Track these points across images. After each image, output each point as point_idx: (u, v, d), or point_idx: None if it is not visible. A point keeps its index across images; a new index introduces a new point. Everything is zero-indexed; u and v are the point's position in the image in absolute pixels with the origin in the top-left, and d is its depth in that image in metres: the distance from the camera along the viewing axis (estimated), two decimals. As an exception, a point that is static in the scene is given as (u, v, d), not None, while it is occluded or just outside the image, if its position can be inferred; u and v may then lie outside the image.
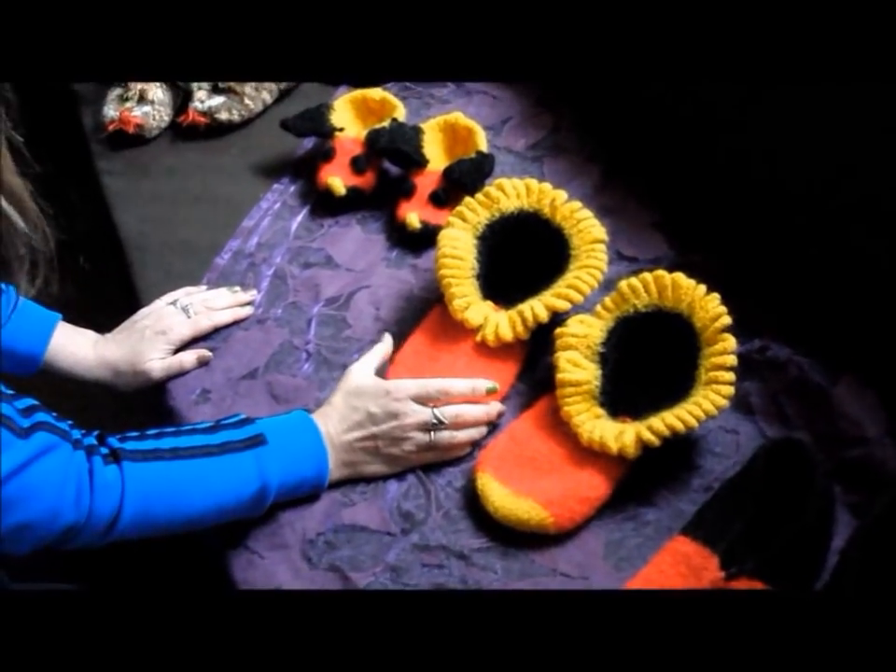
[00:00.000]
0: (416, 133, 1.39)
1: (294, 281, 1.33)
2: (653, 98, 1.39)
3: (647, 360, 1.12)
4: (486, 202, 1.23)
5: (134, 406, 1.42)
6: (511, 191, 1.23)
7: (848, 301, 1.16)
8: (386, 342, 1.20)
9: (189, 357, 1.25)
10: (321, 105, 1.46)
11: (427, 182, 1.36)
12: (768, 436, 1.10)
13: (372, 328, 1.26)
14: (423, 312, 1.25)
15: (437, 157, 1.39)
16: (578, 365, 1.10)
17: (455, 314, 1.17)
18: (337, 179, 1.38)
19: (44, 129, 1.81)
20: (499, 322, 1.16)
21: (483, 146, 1.38)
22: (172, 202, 1.45)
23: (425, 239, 1.32)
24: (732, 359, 1.05)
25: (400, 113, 1.44)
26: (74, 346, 1.24)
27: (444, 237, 1.21)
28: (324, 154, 1.41)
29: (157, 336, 1.24)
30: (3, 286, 1.08)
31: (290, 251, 1.36)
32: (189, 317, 1.26)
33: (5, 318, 1.11)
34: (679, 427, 1.03)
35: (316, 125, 1.43)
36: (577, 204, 1.21)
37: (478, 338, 1.16)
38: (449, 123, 1.41)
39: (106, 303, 1.53)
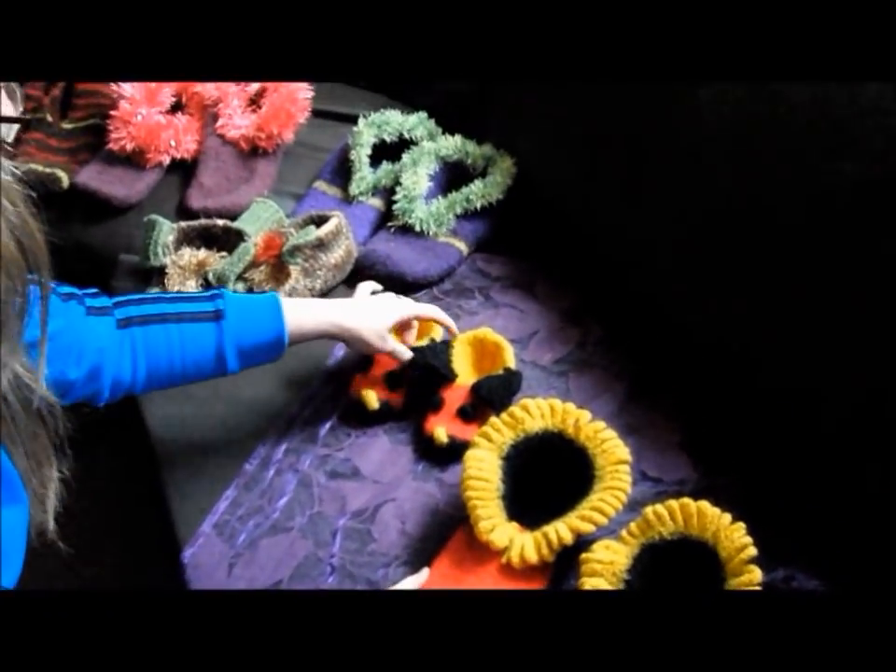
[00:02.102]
0: (446, 347, 1.39)
1: (319, 489, 1.31)
2: (679, 315, 1.39)
3: (672, 589, 1.09)
4: (511, 422, 1.22)
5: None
6: (536, 412, 1.22)
7: (876, 534, 1.13)
8: (423, 574, 1.17)
9: None
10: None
11: (455, 396, 1.35)
12: (794, 670, 1.06)
13: (398, 542, 1.24)
14: (449, 528, 1.22)
15: (465, 371, 1.39)
16: (603, 592, 1.08)
17: (480, 535, 1.14)
18: (372, 393, 1.37)
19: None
20: (525, 544, 1.13)
21: (511, 362, 1.37)
22: (202, 402, 1.44)
23: (452, 453, 1.30)
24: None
25: (437, 333, 1.45)
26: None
27: (470, 458, 1.20)
28: (361, 366, 1.41)
29: None
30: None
31: (317, 458, 1.35)
32: None
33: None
34: (706, 660, 1.00)
35: None
36: (601, 425, 1.20)
37: (503, 560, 1.14)
38: (478, 338, 1.41)
39: (134, 501, 1.52)
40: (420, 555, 1.21)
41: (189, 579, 1.25)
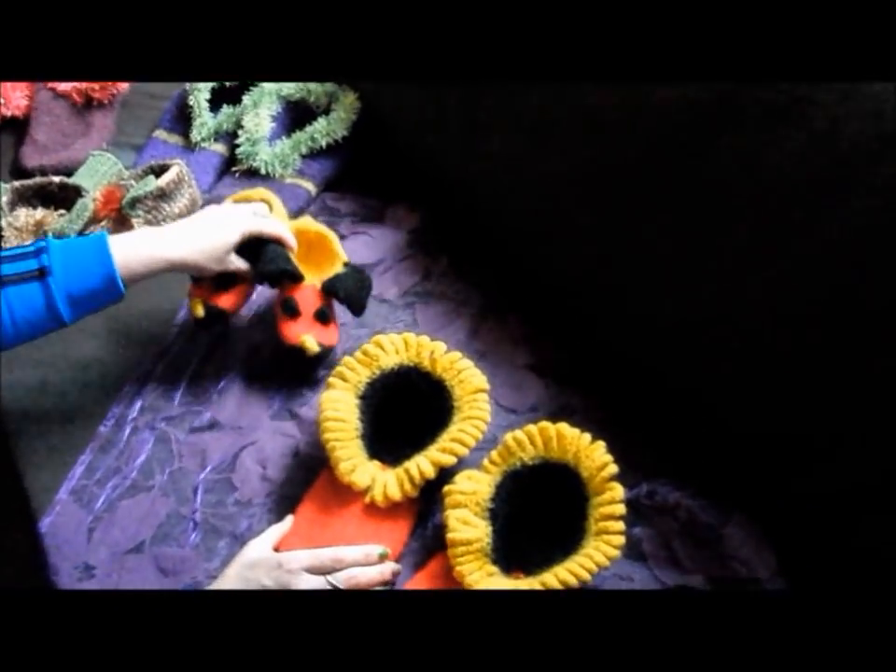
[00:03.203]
0: (284, 249, 1.28)
1: (178, 445, 1.25)
2: (522, 241, 1.35)
3: (537, 513, 1.07)
4: (365, 360, 1.18)
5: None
6: (390, 347, 1.18)
7: (732, 437, 1.12)
8: (287, 522, 1.12)
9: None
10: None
11: (305, 298, 1.27)
12: (662, 581, 1.05)
13: (260, 488, 1.19)
14: (311, 470, 1.18)
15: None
16: (468, 523, 1.05)
17: (341, 477, 1.10)
18: (198, 302, 1.28)
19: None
20: (387, 482, 1.09)
21: (342, 254, 1.31)
22: (51, 367, 1.36)
23: (318, 360, 1.27)
24: (620, 508, 1.01)
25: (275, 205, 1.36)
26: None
27: (326, 400, 1.15)
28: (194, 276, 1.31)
29: None
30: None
31: (174, 413, 1.29)
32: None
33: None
34: (572, 581, 0.97)
35: None
36: (457, 355, 1.17)
37: (367, 499, 1.10)
38: (300, 230, 1.32)
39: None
40: (283, 502, 1.17)
41: (47, 548, 1.18)
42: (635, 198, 1.14)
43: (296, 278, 1.27)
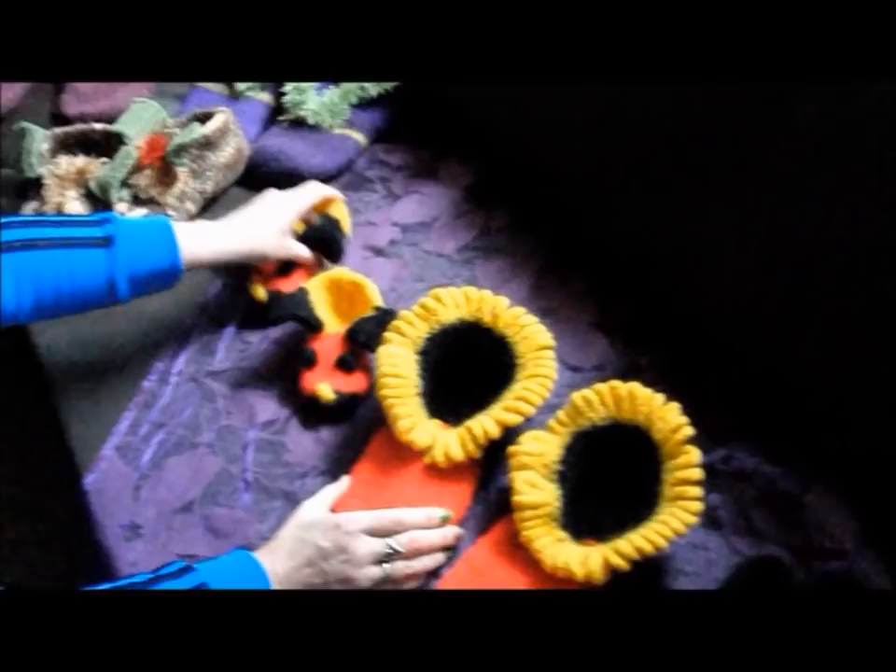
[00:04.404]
0: (304, 294, 1.20)
1: (225, 401, 1.19)
2: (583, 199, 1.28)
3: (608, 477, 1.00)
4: (424, 314, 1.11)
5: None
6: (449, 301, 1.11)
7: (812, 401, 1.05)
8: (343, 482, 1.06)
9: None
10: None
11: (327, 347, 1.18)
12: (740, 551, 0.98)
13: (314, 451, 1.13)
14: (366, 431, 1.12)
15: (327, 318, 1.21)
16: (535, 486, 0.98)
17: (400, 436, 1.04)
18: (259, 285, 1.29)
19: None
20: (449, 441, 1.03)
21: (378, 299, 1.20)
22: (94, 320, 1.28)
23: (341, 410, 1.15)
24: (697, 473, 0.94)
25: (339, 207, 1.34)
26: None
27: (383, 355, 1.08)
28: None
29: None
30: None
31: (218, 369, 1.23)
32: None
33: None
34: (648, 548, 0.90)
35: None
36: (520, 310, 1.10)
37: (427, 459, 1.03)
38: (334, 281, 1.23)
39: (26, 428, 1.38)
40: (338, 463, 1.11)
41: (92, 505, 1.13)
42: (703, 158, 1.08)
43: (311, 325, 1.19)
